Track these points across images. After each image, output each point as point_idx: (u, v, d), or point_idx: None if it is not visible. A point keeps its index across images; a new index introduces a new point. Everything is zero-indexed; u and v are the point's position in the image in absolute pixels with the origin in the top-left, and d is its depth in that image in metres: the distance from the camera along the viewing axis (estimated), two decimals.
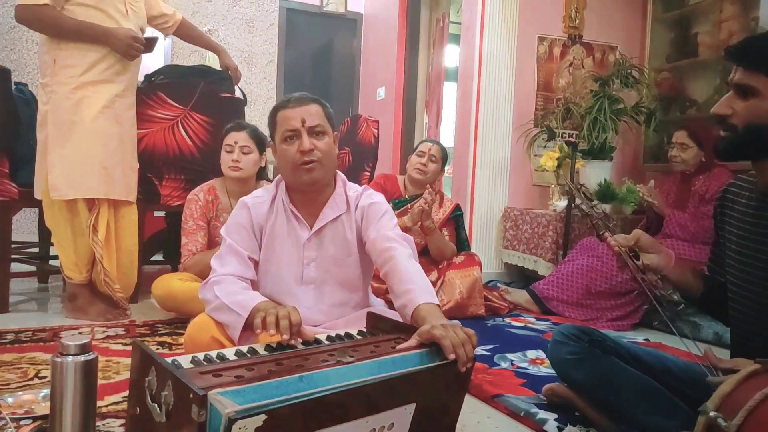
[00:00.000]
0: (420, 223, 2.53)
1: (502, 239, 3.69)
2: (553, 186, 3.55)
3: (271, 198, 1.56)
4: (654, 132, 3.52)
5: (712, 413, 0.60)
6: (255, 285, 1.52)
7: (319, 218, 1.52)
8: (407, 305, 1.30)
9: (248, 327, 1.32)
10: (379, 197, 1.58)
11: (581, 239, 3.07)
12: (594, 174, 3.47)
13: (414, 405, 1.13)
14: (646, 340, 2.40)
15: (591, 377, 1.39)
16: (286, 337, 1.18)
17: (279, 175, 1.60)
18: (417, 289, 1.31)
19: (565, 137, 3.55)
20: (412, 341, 1.20)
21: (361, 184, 3.18)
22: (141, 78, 3.02)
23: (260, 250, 1.53)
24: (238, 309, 1.32)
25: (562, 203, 3.33)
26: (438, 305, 1.31)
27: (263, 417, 0.89)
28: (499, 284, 3.27)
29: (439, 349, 1.14)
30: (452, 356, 1.12)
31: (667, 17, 3.72)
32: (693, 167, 2.78)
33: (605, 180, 3.40)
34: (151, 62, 4.70)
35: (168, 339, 2.10)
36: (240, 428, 0.86)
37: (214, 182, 2.47)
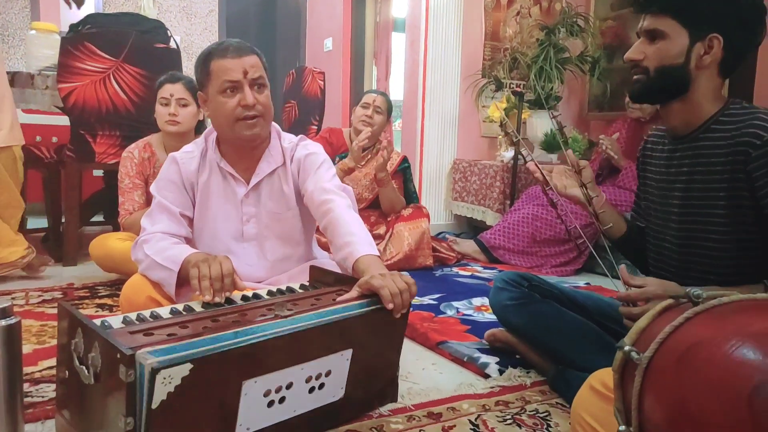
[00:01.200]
0: (375, 175, 2.50)
1: (452, 191, 3.71)
2: (500, 137, 3.57)
3: (200, 152, 1.49)
4: (598, 80, 3.56)
5: (626, 348, 0.61)
6: (190, 242, 1.47)
7: (255, 173, 1.47)
8: (347, 258, 1.29)
9: (182, 282, 1.29)
10: (316, 147, 1.53)
11: (527, 189, 3.12)
12: (540, 124, 3.50)
13: (350, 351, 1.14)
14: (587, 284, 2.49)
15: (530, 321, 1.43)
16: (219, 299, 1.15)
17: (208, 129, 1.53)
18: (357, 240, 1.30)
19: (513, 87, 3.55)
20: (353, 292, 1.19)
21: (308, 137, 3.11)
22: (66, 28, 2.84)
23: (194, 207, 1.48)
24: (169, 264, 1.28)
25: (509, 154, 3.36)
26: (378, 256, 1.30)
27: (189, 366, 0.87)
28: (448, 235, 3.31)
29: (379, 300, 1.14)
30: (390, 305, 1.12)
31: None
32: (649, 115, 2.82)
33: (551, 130, 3.44)
34: (79, 12, 4.42)
35: (108, 301, 2.04)
36: (165, 378, 0.84)
37: (151, 138, 2.36)
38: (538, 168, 1.39)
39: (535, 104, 3.52)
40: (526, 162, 1.45)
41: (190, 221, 1.48)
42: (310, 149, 1.51)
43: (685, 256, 1.18)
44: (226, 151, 1.48)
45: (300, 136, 1.56)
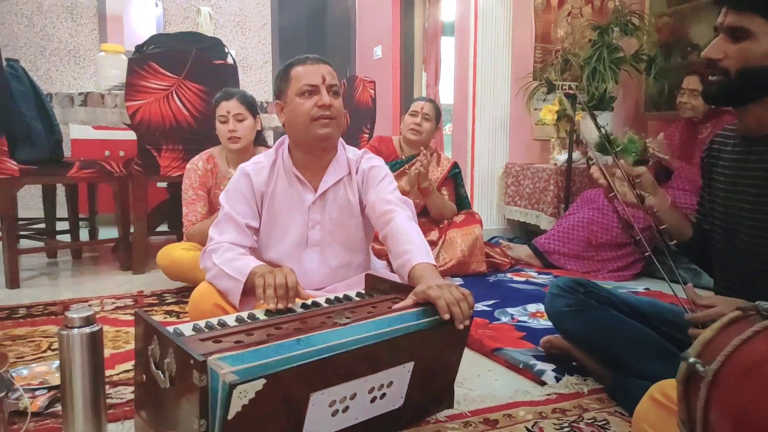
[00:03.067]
0: (417, 185, 2.53)
1: (504, 195, 3.69)
2: (553, 140, 3.52)
3: (270, 163, 1.57)
4: (655, 80, 3.46)
5: (691, 359, 0.61)
6: (255, 252, 1.55)
7: (323, 180, 1.54)
8: (404, 265, 1.33)
9: (247, 291, 1.36)
10: (379, 161, 1.60)
11: (582, 192, 3.07)
12: (594, 126, 3.43)
13: (412, 363, 1.17)
14: (647, 289, 2.43)
15: (586, 327, 1.42)
16: (282, 306, 1.21)
17: (279, 140, 1.61)
18: (414, 249, 1.33)
19: (565, 89, 3.50)
20: (408, 300, 1.22)
21: (360, 147, 3.17)
22: (129, 47, 3.00)
23: (260, 217, 1.55)
24: (235, 274, 1.35)
25: (562, 157, 3.31)
26: (434, 265, 1.33)
27: (263, 381, 0.92)
28: (501, 240, 3.29)
29: (435, 308, 1.17)
30: (447, 316, 1.14)
31: None
32: (702, 114, 2.74)
33: (605, 130, 3.37)
34: (142, 29, 4.66)
35: (176, 308, 2.15)
36: (241, 392, 0.90)
37: (213, 150, 2.47)
38: (603, 173, 1.35)
39: (589, 105, 3.46)
40: (590, 165, 1.41)
41: (256, 231, 1.55)
42: (374, 162, 1.58)
43: (755, 262, 1.14)
44: (297, 159, 1.56)
45: (363, 149, 1.64)
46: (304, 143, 1.52)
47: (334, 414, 1.07)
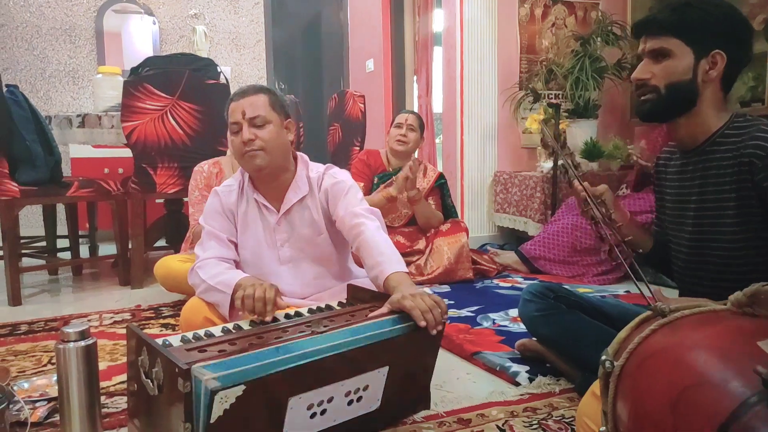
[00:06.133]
0: (404, 192, 2.61)
1: (494, 203, 3.77)
2: (539, 148, 3.61)
3: (239, 186, 1.65)
4: None
5: (603, 357, 0.70)
6: (239, 265, 1.63)
7: (283, 202, 1.61)
8: (379, 276, 1.40)
9: (234, 303, 1.44)
10: (343, 175, 1.66)
11: (567, 199, 3.15)
12: (580, 133, 3.52)
13: (387, 368, 1.25)
14: (627, 292, 2.50)
15: (557, 331, 1.50)
16: (259, 318, 1.30)
17: None
18: (386, 260, 1.41)
19: (550, 98, 3.59)
20: (384, 309, 1.30)
21: (351, 159, 3.25)
22: (128, 66, 3.10)
23: (237, 234, 1.64)
24: (222, 288, 1.43)
25: (548, 164, 3.40)
26: (407, 273, 1.41)
27: (242, 387, 1.00)
28: (489, 247, 3.37)
29: (409, 316, 1.25)
30: (423, 323, 1.22)
31: None
32: None
33: (591, 138, 3.46)
34: (140, 48, 4.78)
35: (172, 321, 2.23)
36: (222, 398, 0.98)
37: (222, 158, 2.56)
38: (585, 188, 1.37)
39: (574, 113, 3.55)
40: (569, 179, 1.48)
41: (237, 246, 1.64)
42: (338, 177, 1.64)
43: (697, 265, 1.23)
44: (256, 184, 1.64)
45: (327, 165, 1.70)
46: (249, 173, 1.61)
47: (312, 416, 1.15)
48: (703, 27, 1.16)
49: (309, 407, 1.14)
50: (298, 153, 1.68)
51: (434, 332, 1.25)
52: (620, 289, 2.56)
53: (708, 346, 0.61)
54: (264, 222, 1.63)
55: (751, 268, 1.15)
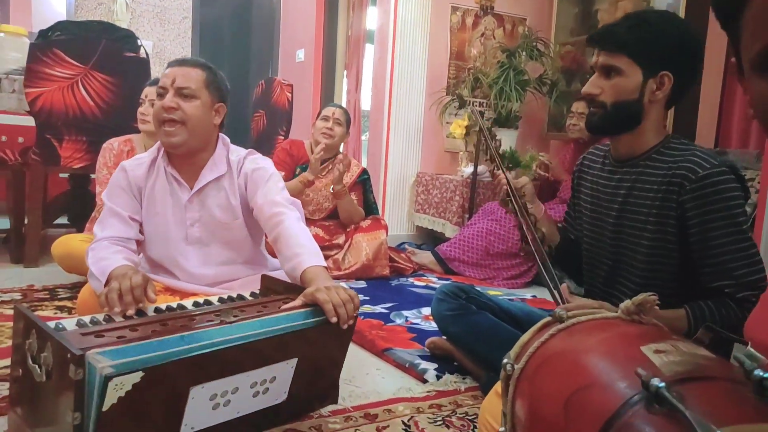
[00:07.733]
0: (320, 175, 2.60)
1: (414, 203, 3.83)
2: (461, 153, 3.70)
3: (151, 160, 1.57)
4: (555, 103, 3.73)
5: (505, 360, 0.72)
6: (140, 244, 1.55)
7: (198, 179, 1.54)
8: (296, 268, 1.38)
9: None
10: (265, 162, 1.60)
11: (484, 204, 3.26)
12: (502, 141, 3.64)
13: (296, 360, 1.23)
14: (534, 296, 2.63)
15: (465, 331, 1.55)
16: (123, 312, 1.21)
17: None
18: (304, 252, 1.39)
19: (475, 106, 3.69)
20: (298, 301, 1.28)
21: (275, 148, 3.18)
22: (36, 32, 2.87)
23: (142, 211, 1.56)
24: (99, 275, 1.34)
25: (468, 169, 3.49)
26: (324, 267, 1.40)
27: (140, 374, 0.95)
28: (407, 246, 3.42)
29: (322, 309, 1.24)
30: (334, 319, 1.21)
31: None
32: (587, 136, 2.99)
33: (510, 147, 3.59)
34: (51, 10, 4.43)
35: (68, 303, 2.09)
36: (117, 384, 0.92)
37: (134, 136, 2.41)
38: (507, 179, 1.43)
39: (496, 122, 3.67)
40: (493, 168, 1.51)
41: (140, 224, 1.55)
42: (259, 164, 1.58)
43: (614, 273, 1.29)
44: (172, 159, 1.56)
45: (249, 150, 1.64)
46: (165, 148, 1.54)
47: (215, 407, 1.12)
48: (657, 48, 1.18)
49: (212, 397, 1.10)
50: (220, 134, 1.62)
51: (345, 327, 1.25)
52: (527, 294, 2.68)
53: (599, 351, 0.65)
54: (174, 198, 1.55)
55: (656, 285, 1.17)
